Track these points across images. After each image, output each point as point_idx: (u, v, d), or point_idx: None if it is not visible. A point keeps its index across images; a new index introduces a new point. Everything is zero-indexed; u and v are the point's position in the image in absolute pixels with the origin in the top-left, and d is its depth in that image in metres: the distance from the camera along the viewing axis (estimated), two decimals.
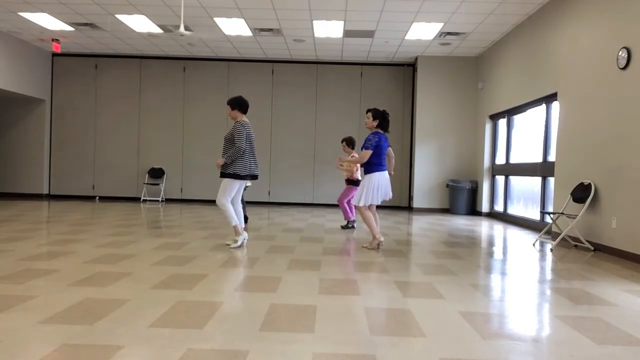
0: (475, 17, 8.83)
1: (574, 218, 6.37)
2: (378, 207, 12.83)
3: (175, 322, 2.98)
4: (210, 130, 12.61)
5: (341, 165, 7.63)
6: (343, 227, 7.94)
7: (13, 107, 12.63)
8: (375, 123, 5.88)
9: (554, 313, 3.43)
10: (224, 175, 5.61)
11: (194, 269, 4.54)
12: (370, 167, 5.85)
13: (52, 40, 11.22)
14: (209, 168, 12.50)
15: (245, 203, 7.92)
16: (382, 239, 5.93)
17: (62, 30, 10.42)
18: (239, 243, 5.75)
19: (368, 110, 5.96)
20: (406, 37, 10.19)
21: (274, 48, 11.45)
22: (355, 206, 5.98)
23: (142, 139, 12.78)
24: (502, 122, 10.52)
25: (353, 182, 7.82)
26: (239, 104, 5.74)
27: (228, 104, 5.77)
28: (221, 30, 10.05)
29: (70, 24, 10.00)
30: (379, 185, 5.84)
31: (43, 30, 10.48)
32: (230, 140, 5.62)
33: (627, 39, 5.83)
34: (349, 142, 7.85)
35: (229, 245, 5.78)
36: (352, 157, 7.49)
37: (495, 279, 4.54)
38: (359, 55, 11.95)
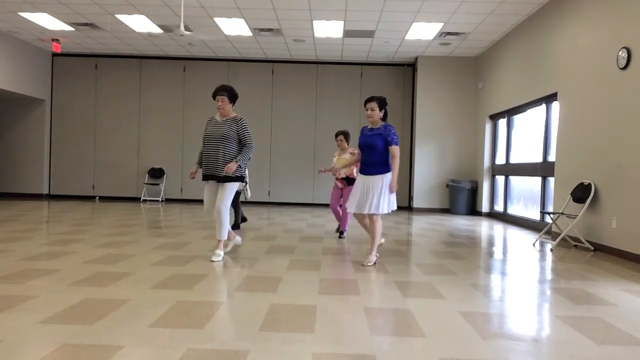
0: (475, 17, 8.83)
1: (574, 218, 6.37)
2: None
3: (175, 322, 2.98)
4: None
5: (337, 172, 6.49)
6: (341, 236, 6.95)
7: (13, 107, 12.63)
8: (382, 114, 4.96)
9: (554, 313, 3.43)
10: (231, 179, 4.92)
11: (194, 269, 4.54)
12: (387, 166, 4.94)
13: (52, 40, 11.22)
14: None
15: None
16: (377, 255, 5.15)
17: (62, 30, 10.42)
18: (230, 248, 5.34)
19: (371, 100, 4.96)
20: (406, 37, 10.18)
21: (274, 48, 11.45)
22: (375, 215, 4.96)
23: (142, 139, 12.78)
24: (502, 122, 10.52)
25: (353, 181, 6.65)
26: (236, 98, 5.08)
27: (225, 94, 4.98)
28: (221, 30, 10.05)
29: (70, 24, 10.00)
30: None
31: (43, 30, 10.48)
32: (233, 140, 4.94)
33: (627, 39, 5.83)
34: (348, 136, 6.90)
35: (214, 261, 4.95)
36: (351, 152, 6.73)
37: (495, 279, 4.53)
38: (359, 55, 11.95)
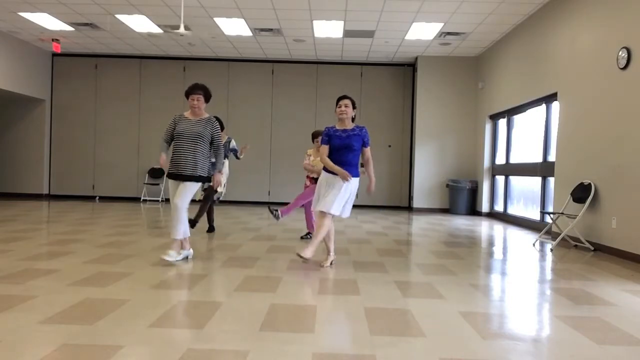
0: (475, 17, 8.83)
1: (574, 218, 6.37)
2: (379, 206, 12.89)
3: (175, 322, 2.98)
4: None
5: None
6: (304, 237, 6.86)
7: (13, 107, 12.62)
8: (354, 114, 4.87)
9: (554, 313, 3.43)
10: (203, 179, 4.84)
11: (194, 269, 4.54)
12: (357, 170, 4.84)
13: (52, 40, 11.22)
14: None
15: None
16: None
17: (62, 30, 10.41)
18: (182, 257, 4.87)
19: (346, 97, 4.84)
20: (406, 37, 10.18)
21: (274, 48, 11.45)
22: (328, 215, 4.73)
23: (142, 139, 12.77)
24: (502, 122, 10.52)
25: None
26: (210, 97, 5.04)
27: (201, 92, 4.95)
28: (221, 30, 10.05)
29: (70, 24, 9.99)
30: None
31: (43, 30, 10.47)
32: (207, 140, 4.89)
33: (627, 39, 5.83)
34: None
35: (166, 259, 4.72)
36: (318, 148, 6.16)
37: (495, 279, 4.53)
38: (359, 55, 11.95)
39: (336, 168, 4.69)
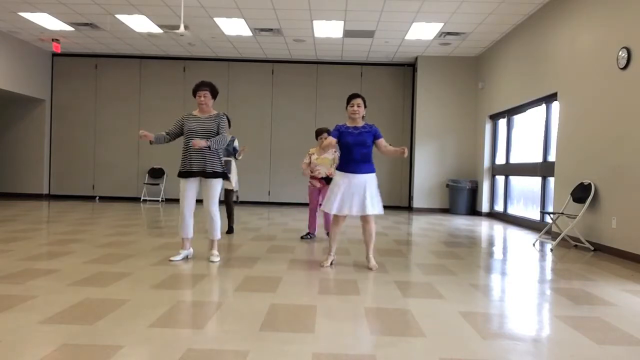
0: (475, 17, 8.83)
1: (574, 218, 6.37)
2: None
3: (175, 322, 2.98)
4: None
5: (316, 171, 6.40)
6: (304, 237, 6.67)
7: (13, 107, 12.62)
8: (364, 112, 4.87)
9: (554, 313, 3.43)
10: (218, 174, 4.83)
11: (194, 269, 4.54)
12: (373, 165, 4.86)
13: (52, 40, 11.22)
14: None
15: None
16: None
17: (62, 30, 10.42)
18: (182, 257, 4.96)
19: (358, 96, 4.83)
20: (406, 37, 10.18)
21: (274, 48, 11.45)
22: (371, 217, 4.76)
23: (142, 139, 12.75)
24: (502, 122, 10.52)
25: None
26: (217, 93, 4.96)
27: (208, 89, 4.84)
28: (221, 30, 10.05)
29: (70, 24, 9.99)
30: None
31: (43, 30, 10.48)
32: (213, 134, 4.83)
33: (627, 39, 5.83)
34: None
35: (213, 262, 4.91)
36: (335, 151, 6.20)
37: (495, 279, 4.53)
38: (359, 55, 11.95)
39: (329, 139, 4.71)
